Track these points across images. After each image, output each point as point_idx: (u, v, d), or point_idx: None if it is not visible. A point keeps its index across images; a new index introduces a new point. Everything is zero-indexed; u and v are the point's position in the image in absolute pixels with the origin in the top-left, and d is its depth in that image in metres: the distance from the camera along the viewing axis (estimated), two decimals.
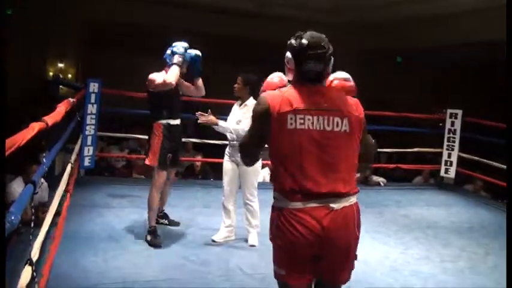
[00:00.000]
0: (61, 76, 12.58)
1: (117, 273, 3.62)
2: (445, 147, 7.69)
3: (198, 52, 4.46)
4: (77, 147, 5.78)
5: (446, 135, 7.69)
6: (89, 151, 6.13)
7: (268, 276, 3.82)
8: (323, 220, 2.07)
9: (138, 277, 3.61)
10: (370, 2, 10.65)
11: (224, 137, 4.51)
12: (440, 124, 7.86)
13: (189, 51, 4.40)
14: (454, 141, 7.60)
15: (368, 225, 5.40)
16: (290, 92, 2.16)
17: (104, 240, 4.26)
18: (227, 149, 4.51)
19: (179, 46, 4.32)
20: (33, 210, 3.07)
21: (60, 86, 11.64)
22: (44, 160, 3.12)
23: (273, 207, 2.21)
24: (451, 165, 7.66)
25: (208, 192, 6.21)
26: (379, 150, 8.67)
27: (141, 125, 9.72)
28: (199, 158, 8.01)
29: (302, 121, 2.08)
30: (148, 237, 4.33)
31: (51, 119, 2.92)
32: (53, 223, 3.77)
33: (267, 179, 7.64)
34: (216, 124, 4.30)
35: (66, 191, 4.70)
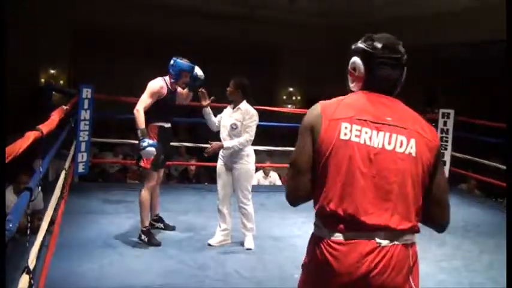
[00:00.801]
0: (53, 82, 12.52)
1: (113, 280, 3.62)
2: None
3: (201, 73, 4.61)
4: (70, 154, 5.76)
5: (439, 135, 7.72)
6: (83, 157, 6.12)
7: (265, 279, 3.85)
8: (367, 258, 1.65)
9: (135, 283, 3.61)
10: (358, 5, 10.70)
11: (218, 141, 4.51)
12: (433, 124, 7.90)
13: (195, 71, 4.58)
14: (447, 141, 7.64)
15: None
16: (350, 98, 1.82)
17: (100, 246, 4.25)
18: (220, 153, 4.51)
19: (197, 70, 4.61)
20: (28, 217, 3.05)
21: (53, 93, 11.60)
22: (40, 168, 3.11)
23: (312, 234, 1.84)
24: (444, 164, 7.69)
25: (203, 196, 6.21)
26: None
27: (135, 130, 9.71)
28: (193, 162, 8.00)
29: (358, 133, 1.70)
30: (145, 238, 4.36)
31: (46, 127, 2.92)
32: (48, 230, 3.75)
33: (262, 181, 7.65)
34: (222, 147, 4.36)
35: (60, 198, 4.69)
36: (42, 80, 12.80)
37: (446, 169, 7.69)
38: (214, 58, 13.27)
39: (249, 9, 11.50)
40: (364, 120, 1.72)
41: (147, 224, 4.43)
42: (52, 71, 13.04)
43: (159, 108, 4.42)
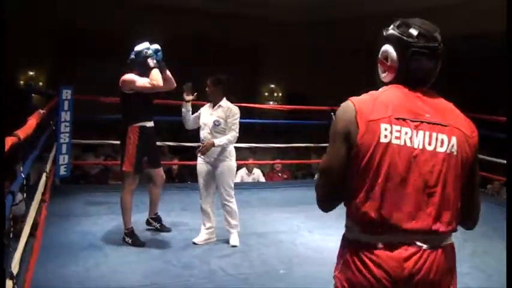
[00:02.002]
0: (33, 84, 12.39)
1: (99, 282, 3.60)
2: None
3: (157, 46, 4.41)
4: (51, 156, 5.71)
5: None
6: (64, 159, 6.05)
7: (251, 276, 3.87)
8: (407, 262, 1.59)
9: (121, 284, 3.59)
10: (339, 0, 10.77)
11: (198, 140, 4.51)
12: None
13: (150, 47, 4.36)
14: None
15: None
16: (385, 94, 1.68)
17: (84, 248, 4.22)
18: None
19: (146, 49, 4.27)
20: (11, 222, 3.03)
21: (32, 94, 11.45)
22: (22, 174, 3.09)
23: (343, 237, 1.75)
24: None
25: (187, 195, 6.19)
26: None
27: (115, 131, 9.66)
28: (175, 161, 7.99)
29: (398, 134, 1.60)
30: (129, 240, 4.36)
31: (23, 132, 2.90)
32: (31, 234, 3.72)
33: (245, 178, 7.67)
34: (213, 145, 4.33)
35: (42, 201, 4.65)
36: (21, 82, 12.66)
37: None
38: (195, 56, 13.28)
39: (230, 6, 11.49)
40: (403, 120, 1.61)
41: (129, 225, 4.42)
42: (31, 73, 12.90)
43: (136, 105, 4.33)
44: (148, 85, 4.20)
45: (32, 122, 3.47)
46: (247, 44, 13.38)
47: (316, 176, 8.35)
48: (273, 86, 16.27)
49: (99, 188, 6.61)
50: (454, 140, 1.62)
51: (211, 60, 12.62)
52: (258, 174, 7.80)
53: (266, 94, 16.29)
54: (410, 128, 1.60)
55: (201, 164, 4.50)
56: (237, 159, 4.65)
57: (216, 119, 4.39)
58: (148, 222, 4.78)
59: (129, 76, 4.30)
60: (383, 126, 1.59)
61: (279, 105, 14.59)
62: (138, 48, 4.30)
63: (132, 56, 4.34)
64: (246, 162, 7.80)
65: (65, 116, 6.02)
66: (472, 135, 1.67)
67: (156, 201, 4.78)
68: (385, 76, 1.74)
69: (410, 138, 1.60)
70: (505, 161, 6.82)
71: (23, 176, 3.17)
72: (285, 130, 12.59)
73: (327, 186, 1.70)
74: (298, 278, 3.87)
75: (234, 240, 4.47)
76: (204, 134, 4.45)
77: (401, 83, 1.68)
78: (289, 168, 9.24)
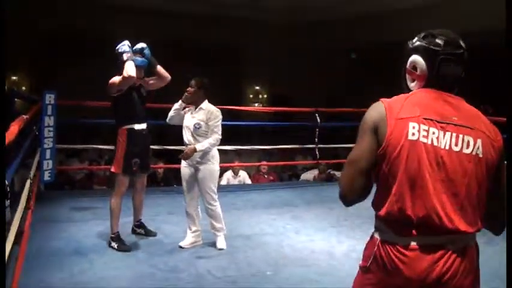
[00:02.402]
0: (16, 89, 12.30)
1: None
2: None
3: (143, 44, 4.43)
4: (35, 162, 5.66)
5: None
6: (48, 165, 6.00)
7: (238, 278, 3.87)
8: (438, 263, 1.63)
9: None
10: (326, 1, 10.81)
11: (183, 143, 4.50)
12: None
13: (135, 47, 4.40)
14: None
15: (332, 220, 5.51)
16: (415, 96, 1.75)
17: (70, 255, 4.19)
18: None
19: (122, 45, 4.31)
20: None
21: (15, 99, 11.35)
22: (6, 181, 3.05)
23: (373, 234, 1.80)
24: None
25: (173, 199, 6.18)
26: (340, 146, 8.87)
27: (101, 135, 9.61)
28: (160, 164, 7.96)
29: (426, 133, 1.66)
30: (114, 244, 4.34)
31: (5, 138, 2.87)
32: (16, 242, 3.69)
33: (231, 181, 7.67)
34: (196, 151, 4.31)
35: (27, 207, 4.61)
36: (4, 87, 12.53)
37: None
38: (180, 59, 13.24)
39: (213, 8, 11.49)
40: (431, 120, 1.67)
41: (116, 230, 4.40)
42: (14, 77, 12.79)
43: (123, 108, 4.32)
44: (121, 78, 4.22)
45: (14, 128, 3.44)
46: (231, 46, 13.39)
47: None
48: (258, 88, 16.29)
49: (84, 194, 6.58)
50: (479, 142, 1.68)
51: (195, 62, 12.62)
52: (244, 177, 7.81)
53: (251, 96, 16.30)
54: (438, 128, 1.67)
55: (184, 168, 4.50)
56: (222, 162, 4.65)
57: (197, 122, 4.38)
58: (133, 231, 4.76)
59: (112, 79, 4.31)
60: (411, 124, 1.66)
61: (264, 107, 14.63)
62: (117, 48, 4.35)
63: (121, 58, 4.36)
64: (232, 164, 7.80)
65: (49, 120, 5.97)
66: (496, 139, 1.73)
67: (139, 207, 4.75)
68: (414, 85, 1.82)
69: (438, 138, 1.66)
70: None
71: (7, 183, 3.14)
72: (271, 132, 12.62)
73: (352, 176, 1.73)
74: (285, 279, 3.88)
75: (221, 243, 4.47)
76: (187, 137, 4.43)
77: (431, 88, 1.77)
78: (275, 169, 9.26)
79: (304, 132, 8.77)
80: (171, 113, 4.55)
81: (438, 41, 1.74)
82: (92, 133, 10.21)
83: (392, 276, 1.67)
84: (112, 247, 4.33)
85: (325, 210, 5.96)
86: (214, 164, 4.44)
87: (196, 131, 4.37)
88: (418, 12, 10.01)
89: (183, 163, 4.49)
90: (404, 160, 1.65)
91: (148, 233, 4.75)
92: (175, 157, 8.12)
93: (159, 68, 4.55)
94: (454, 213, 1.65)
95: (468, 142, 1.67)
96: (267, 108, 13.98)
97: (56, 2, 11.21)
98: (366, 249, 1.82)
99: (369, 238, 1.82)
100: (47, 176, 6.02)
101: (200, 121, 4.37)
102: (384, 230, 1.72)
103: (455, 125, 1.68)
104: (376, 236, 1.76)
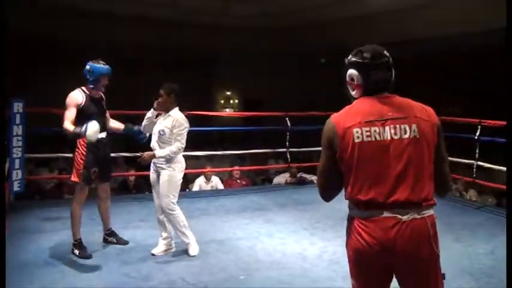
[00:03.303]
0: None
1: None
2: None
3: (94, 128, 4.13)
4: (4, 172, 5.56)
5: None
6: (17, 175, 5.90)
7: (211, 283, 3.88)
8: (390, 231, 2.04)
9: None
10: (295, 6, 10.89)
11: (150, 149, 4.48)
12: None
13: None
14: None
15: (305, 222, 5.56)
16: (356, 106, 2.18)
17: (40, 266, 4.14)
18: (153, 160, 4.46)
19: (91, 134, 4.09)
20: None
21: None
22: None
23: (348, 215, 2.20)
24: None
25: (145, 206, 6.14)
26: (310, 149, 8.95)
27: (69, 144, 9.47)
28: (132, 172, 7.91)
29: (368, 133, 2.08)
30: (76, 251, 4.34)
31: None
32: None
33: (203, 186, 7.66)
34: (154, 156, 4.31)
35: None
36: None
37: None
38: (150, 65, 13.18)
39: (183, 13, 11.46)
40: (371, 121, 2.10)
41: (78, 237, 4.40)
42: None
43: (83, 119, 4.24)
44: (63, 127, 4.23)
45: None
46: (202, 52, 13.38)
47: (275, 180, 8.42)
48: (228, 93, 16.31)
49: (54, 203, 6.48)
50: (414, 126, 2.10)
51: (165, 67, 12.57)
52: (216, 182, 7.80)
53: (222, 102, 16.32)
54: (379, 126, 2.09)
55: (151, 174, 4.50)
56: (194, 168, 4.64)
57: (162, 129, 4.36)
58: (104, 240, 4.73)
59: (69, 99, 4.32)
60: (354, 130, 2.09)
61: (235, 112, 14.65)
62: (100, 66, 4.35)
63: (88, 68, 4.35)
64: (204, 170, 7.79)
65: (17, 130, 5.88)
66: (429, 119, 2.14)
67: (105, 216, 4.72)
68: (355, 93, 2.24)
69: (379, 133, 2.09)
70: (468, 161, 7.12)
71: None
72: (242, 137, 12.64)
73: (325, 183, 2.21)
74: (258, 283, 3.90)
75: (192, 250, 4.44)
76: (152, 142, 4.43)
77: (368, 95, 2.19)
78: (248, 174, 9.28)
79: (276, 136, 8.82)
80: (144, 122, 4.53)
81: (366, 55, 2.18)
82: (61, 142, 10.07)
83: (360, 242, 2.09)
84: (74, 254, 4.34)
85: (297, 213, 6.00)
86: (174, 170, 4.37)
87: (161, 137, 4.35)
88: (382, 17, 10.20)
89: (151, 169, 4.48)
90: (355, 158, 2.08)
91: (120, 241, 4.72)
92: (147, 164, 8.06)
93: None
94: (402, 188, 2.06)
95: (405, 129, 2.09)
96: (238, 113, 14.00)
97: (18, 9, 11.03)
98: (346, 225, 2.20)
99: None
100: (16, 187, 5.92)
101: (165, 128, 4.35)
102: (351, 208, 2.16)
103: (392, 119, 2.10)
104: (350, 213, 2.18)
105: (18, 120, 5.88)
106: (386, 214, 2.05)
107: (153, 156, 4.30)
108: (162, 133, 4.35)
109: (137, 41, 11.93)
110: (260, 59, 13.55)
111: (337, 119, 2.15)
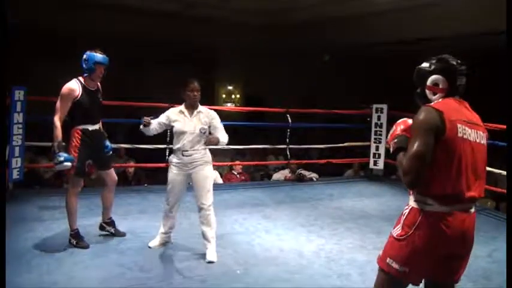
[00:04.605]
0: None
1: None
2: (372, 140, 8.00)
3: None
4: (4, 160, 5.56)
5: (373, 129, 8.00)
6: (17, 163, 5.90)
7: (208, 277, 3.88)
8: (464, 222, 2.31)
9: None
10: (297, 3, 10.84)
11: (157, 142, 4.47)
12: (368, 119, 8.15)
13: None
14: (381, 135, 7.93)
15: (303, 220, 5.56)
16: (449, 104, 2.35)
17: (38, 255, 4.15)
18: (174, 160, 4.32)
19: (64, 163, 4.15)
20: None
21: None
22: None
23: (413, 208, 2.37)
24: (379, 157, 7.98)
25: (144, 198, 6.16)
26: (310, 146, 8.93)
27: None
28: (131, 163, 7.90)
29: (465, 131, 2.30)
30: (73, 241, 4.35)
31: None
32: None
33: (218, 180, 7.67)
34: (219, 141, 4.22)
35: None
36: None
37: (381, 161, 7.98)
38: (150, 59, 13.15)
39: (185, 7, 11.42)
40: (464, 121, 2.32)
41: (74, 227, 4.40)
42: None
43: (78, 111, 4.26)
44: (53, 120, 4.21)
45: None
46: (204, 46, 13.34)
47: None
48: (230, 88, 16.29)
49: (53, 192, 6.47)
50: (482, 134, 2.40)
51: (167, 61, 12.54)
52: (216, 176, 7.79)
53: (224, 96, 16.29)
54: (468, 127, 2.32)
55: (175, 174, 4.32)
56: None
57: (202, 127, 4.24)
58: (101, 227, 4.71)
59: (64, 91, 4.26)
60: (459, 125, 2.28)
61: (236, 107, 14.64)
62: (95, 55, 4.29)
63: (84, 57, 4.31)
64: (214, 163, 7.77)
65: (18, 117, 5.88)
66: (484, 129, 2.43)
67: (109, 204, 4.68)
68: (436, 97, 2.41)
69: (470, 134, 2.32)
70: None
71: None
72: (243, 132, 12.63)
73: (419, 167, 2.24)
74: (255, 278, 3.91)
75: (211, 255, 4.25)
76: (183, 143, 4.23)
77: (450, 97, 2.39)
78: (247, 169, 9.28)
79: (276, 132, 8.82)
80: (157, 128, 4.41)
81: (452, 62, 2.41)
82: (62, 131, 10.06)
83: (437, 236, 2.28)
84: (72, 243, 4.34)
85: (295, 209, 6.01)
86: (211, 165, 4.36)
87: (202, 136, 4.24)
88: (387, 15, 10.16)
89: (174, 169, 4.31)
90: (455, 152, 2.26)
91: (117, 233, 4.70)
92: (146, 156, 8.09)
93: None
94: (477, 186, 2.33)
95: (481, 135, 2.37)
96: (239, 108, 14.00)
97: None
98: (405, 220, 2.37)
99: (406, 212, 2.40)
100: (15, 175, 5.92)
101: (205, 125, 4.25)
102: (428, 202, 2.31)
103: (472, 123, 2.35)
104: (417, 207, 2.34)
105: (18, 108, 5.87)
106: (462, 207, 2.30)
107: (218, 141, 4.21)
108: (203, 131, 4.24)
109: (137, 34, 11.89)
110: (264, 54, 13.51)
111: (441, 108, 2.28)
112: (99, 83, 4.50)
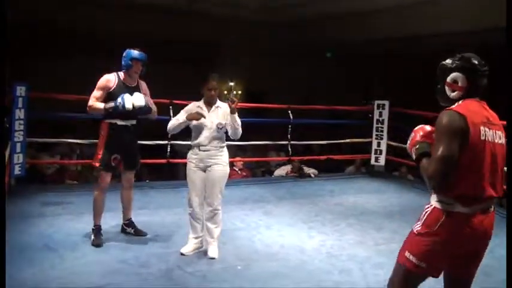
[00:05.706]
0: None
1: (56, 284, 3.55)
2: (374, 136, 8.01)
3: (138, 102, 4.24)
4: (5, 155, 5.57)
5: (374, 125, 8.00)
6: (19, 158, 5.91)
7: (209, 273, 3.89)
8: (484, 221, 2.36)
9: (77, 285, 3.56)
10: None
11: (162, 138, 4.46)
12: (370, 115, 8.15)
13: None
14: (382, 131, 7.93)
15: (304, 215, 5.57)
16: (470, 105, 2.36)
17: (40, 250, 4.16)
18: (193, 156, 4.27)
19: (127, 102, 4.18)
20: None
21: None
22: None
23: (436, 207, 2.37)
24: (380, 153, 7.98)
25: (145, 194, 6.16)
26: (312, 142, 8.94)
27: (72, 129, 9.48)
28: None
29: (486, 133, 2.32)
30: (92, 237, 4.35)
31: None
32: None
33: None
34: (235, 112, 4.19)
35: None
36: None
37: (383, 157, 7.98)
38: (151, 55, 13.12)
39: (188, 3, 11.41)
40: (485, 123, 2.33)
41: (97, 222, 4.40)
42: None
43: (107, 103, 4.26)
44: (88, 105, 4.28)
45: None
46: (205, 42, 13.32)
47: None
48: (232, 84, 16.28)
49: (55, 188, 6.50)
50: (501, 134, 2.41)
51: (167, 58, 12.53)
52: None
53: (225, 92, 16.29)
54: (488, 128, 2.34)
55: (194, 170, 4.25)
56: None
57: (219, 122, 4.22)
58: (122, 229, 4.68)
59: (100, 81, 4.31)
60: (481, 128, 2.30)
61: (239, 104, 14.63)
62: (132, 51, 4.34)
63: (124, 54, 4.36)
64: None
65: (19, 113, 5.89)
66: (502, 128, 2.44)
67: (127, 204, 4.64)
68: (455, 94, 2.42)
69: (490, 135, 2.33)
70: None
71: None
72: (244, 128, 12.64)
73: (445, 170, 2.25)
74: (256, 273, 3.92)
75: (213, 251, 4.22)
76: (200, 139, 4.21)
77: (470, 98, 2.39)
78: (249, 165, 9.28)
79: (278, 128, 8.82)
80: (179, 125, 4.29)
81: (474, 61, 2.40)
82: (63, 127, 10.07)
83: (459, 235, 2.31)
84: (90, 238, 4.36)
85: (296, 206, 6.02)
86: (227, 164, 4.30)
87: (219, 131, 4.23)
88: (390, 13, 10.14)
89: (192, 165, 4.25)
90: (478, 155, 2.29)
91: (138, 233, 4.63)
92: (148, 152, 8.07)
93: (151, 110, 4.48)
94: (494, 185, 2.35)
95: (499, 135, 2.39)
96: (240, 104, 13.98)
97: None
98: (427, 218, 2.39)
99: (428, 210, 2.40)
100: (17, 170, 5.94)
101: (223, 121, 4.22)
102: (450, 203, 2.32)
103: (492, 124, 2.37)
104: (440, 207, 2.35)
105: (20, 104, 5.89)
106: (483, 207, 2.35)
107: (238, 125, 4.23)
108: (220, 126, 4.21)
109: (138, 31, 11.87)
110: (265, 51, 13.49)
111: (464, 112, 2.28)
112: (143, 82, 4.51)
